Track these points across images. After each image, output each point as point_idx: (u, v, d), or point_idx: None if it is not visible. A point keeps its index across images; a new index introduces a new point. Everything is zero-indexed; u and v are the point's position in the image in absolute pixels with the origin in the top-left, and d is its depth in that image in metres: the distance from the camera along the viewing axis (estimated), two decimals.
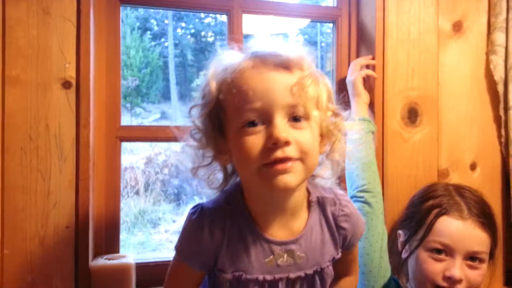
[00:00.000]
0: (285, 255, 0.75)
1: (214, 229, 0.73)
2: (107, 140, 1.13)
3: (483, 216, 1.06)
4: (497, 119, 1.33)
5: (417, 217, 1.10)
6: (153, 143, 6.03)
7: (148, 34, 9.55)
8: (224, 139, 0.73)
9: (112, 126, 1.14)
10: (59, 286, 1.01)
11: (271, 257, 0.74)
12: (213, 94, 0.71)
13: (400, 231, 1.14)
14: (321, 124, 0.72)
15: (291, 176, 0.66)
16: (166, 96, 9.70)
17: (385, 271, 1.06)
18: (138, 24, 9.38)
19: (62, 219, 1.01)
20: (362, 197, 1.08)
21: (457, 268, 1.00)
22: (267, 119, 0.67)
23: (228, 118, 0.70)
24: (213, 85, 0.71)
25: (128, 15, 8.80)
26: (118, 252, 1.14)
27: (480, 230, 1.04)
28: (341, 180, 0.87)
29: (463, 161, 1.31)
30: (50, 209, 1.00)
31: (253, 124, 0.67)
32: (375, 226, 1.07)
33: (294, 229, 0.76)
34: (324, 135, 0.74)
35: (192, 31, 10.85)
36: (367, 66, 1.24)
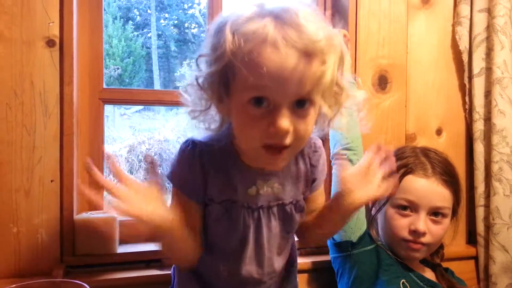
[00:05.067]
0: (265, 186, 0.81)
1: (203, 159, 0.79)
2: (90, 101, 1.17)
3: (446, 174, 1.13)
4: (462, 87, 1.41)
5: None
6: (136, 132, 6.05)
7: (131, 24, 9.48)
8: (227, 95, 0.71)
9: (95, 88, 1.17)
10: (44, 237, 1.05)
11: (253, 187, 0.80)
12: (228, 52, 0.65)
13: None
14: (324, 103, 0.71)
15: (281, 162, 0.75)
16: (149, 87, 9.65)
17: (362, 224, 1.13)
18: (120, 13, 9.30)
19: (47, 173, 1.05)
20: (344, 154, 1.15)
21: (421, 222, 1.08)
22: (273, 103, 0.66)
23: (236, 81, 0.68)
24: (229, 41, 0.65)
25: (110, 4, 8.73)
26: None
27: (442, 187, 1.11)
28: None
29: (430, 126, 1.38)
30: (35, 163, 1.04)
31: (259, 102, 0.66)
32: None
33: None
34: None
35: (176, 22, 10.79)
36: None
